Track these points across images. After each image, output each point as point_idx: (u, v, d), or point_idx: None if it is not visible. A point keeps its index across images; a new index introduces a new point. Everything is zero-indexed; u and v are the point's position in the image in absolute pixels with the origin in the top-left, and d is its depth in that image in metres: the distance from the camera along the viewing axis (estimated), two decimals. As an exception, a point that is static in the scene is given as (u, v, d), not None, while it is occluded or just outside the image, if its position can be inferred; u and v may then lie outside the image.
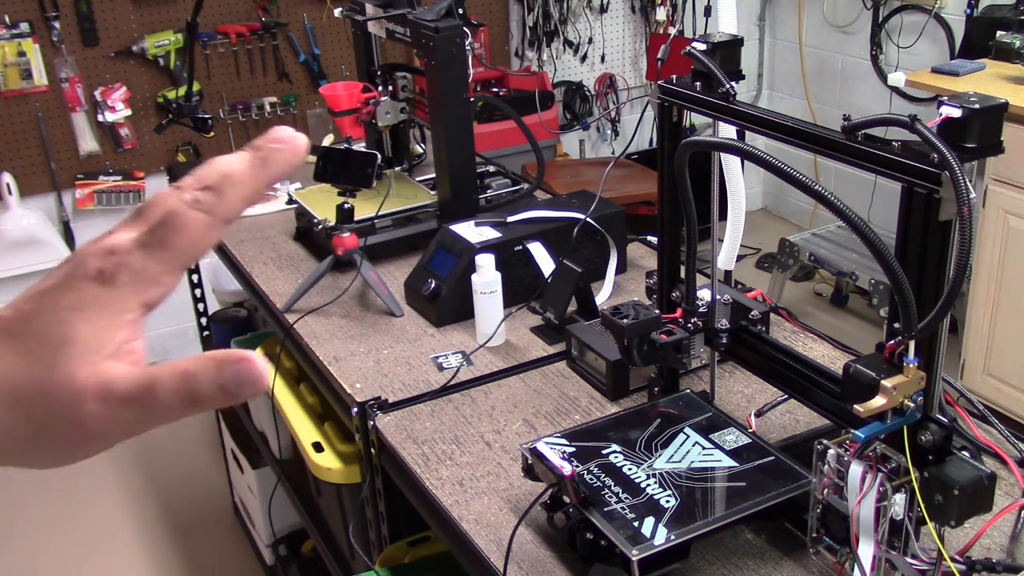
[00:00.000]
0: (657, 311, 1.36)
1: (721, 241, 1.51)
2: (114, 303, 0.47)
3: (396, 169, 2.30)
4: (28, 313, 0.47)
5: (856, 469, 1.03)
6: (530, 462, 1.24)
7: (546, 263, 1.81)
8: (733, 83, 1.23)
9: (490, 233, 1.85)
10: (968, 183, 0.92)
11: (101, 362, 0.47)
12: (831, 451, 1.06)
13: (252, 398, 0.49)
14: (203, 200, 0.48)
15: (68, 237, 3.70)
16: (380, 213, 2.04)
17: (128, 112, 3.63)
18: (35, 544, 3.10)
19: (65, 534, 3.13)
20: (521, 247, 1.83)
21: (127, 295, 0.47)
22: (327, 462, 1.74)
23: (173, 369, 0.47)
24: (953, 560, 1.05)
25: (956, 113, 0.94)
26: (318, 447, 1.78)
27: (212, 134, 3.67)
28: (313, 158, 2.00)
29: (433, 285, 1.81)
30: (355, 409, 1.56)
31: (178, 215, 0.48)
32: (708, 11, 4.39)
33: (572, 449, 1.27)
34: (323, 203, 2.07)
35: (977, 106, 0.94)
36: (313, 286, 1.91)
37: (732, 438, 1.29)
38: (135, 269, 0.47)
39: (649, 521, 1.13)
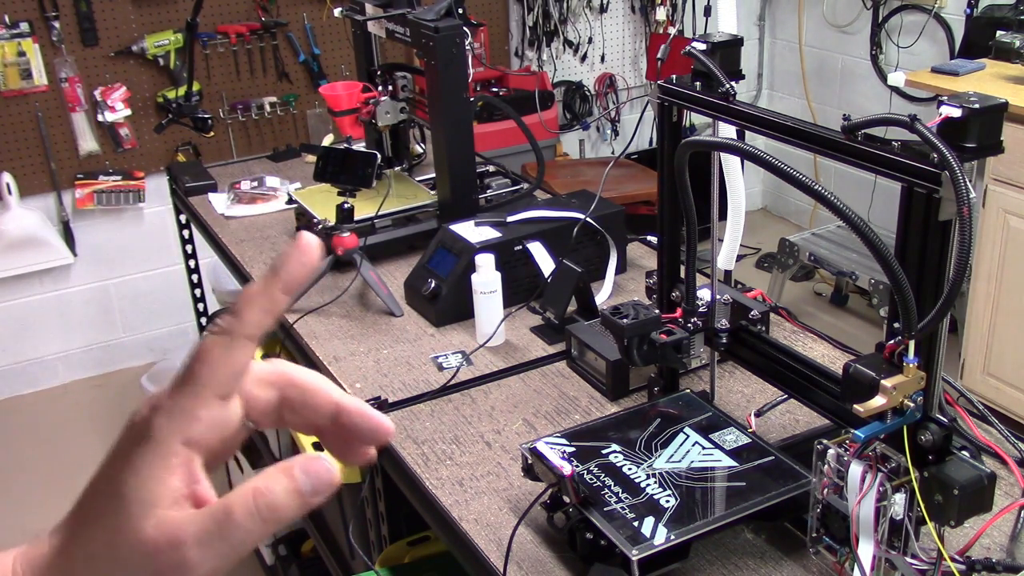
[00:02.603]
0: (657, 311, 1.36)
1: (721, 241, 1.51)
2: (156, 450, 0.48)
3: (396, 169, 2.30)
4: (91, 480, 0.49)
5: (856, 469, 1.03)
6: (530, 462, 1.24)
7: (546, 263, 1.81)
8: (733, 83, 1.23)
9: (490, 233, 1.85)
10: (968, 183, 0.92)
11: (162, 514, 0.47)
12: (831, 451, 1.06)
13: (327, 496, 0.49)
14: (222, 324, 0.50)
15: (68, 237, 3.69)
16: (380, 213, 2.04)
17: (128, 112, 3.63)
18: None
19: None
20: (521, 247, 1.83)
21: (167, 439, 0.48)
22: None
23: (244, 492, 0.48)
24: (953, 560, 1.05)
25: (956, 113, 0.94)
26: (318, 447, 1.78)
27: (212, 134, 3.68)
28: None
29: (433, 285, 1.81)
30: (355, 409, 1.56)
31: (200, 346, 0.49)
32: (708, 11, 4.39)
33: (572, 449, 1.27)
34: (323, 203, 2.07)
35: (977, 106, 0.94)
36: (313, 286, 1.91)
37: (732, 438, 1.29)
38: (169, 410, 0.48)
39: (649, 521, 1.13)
